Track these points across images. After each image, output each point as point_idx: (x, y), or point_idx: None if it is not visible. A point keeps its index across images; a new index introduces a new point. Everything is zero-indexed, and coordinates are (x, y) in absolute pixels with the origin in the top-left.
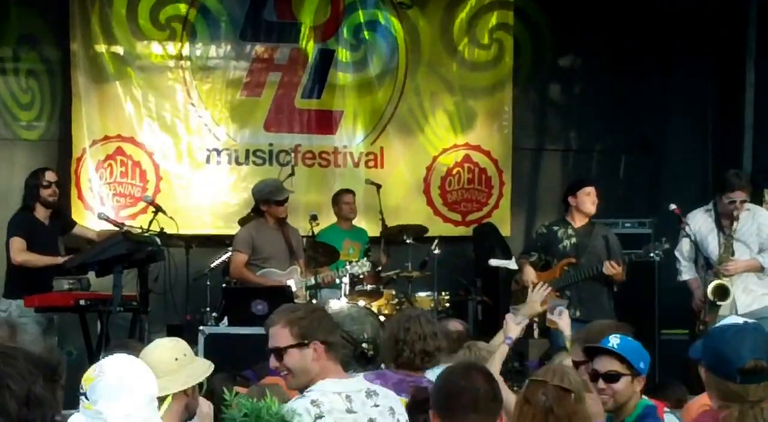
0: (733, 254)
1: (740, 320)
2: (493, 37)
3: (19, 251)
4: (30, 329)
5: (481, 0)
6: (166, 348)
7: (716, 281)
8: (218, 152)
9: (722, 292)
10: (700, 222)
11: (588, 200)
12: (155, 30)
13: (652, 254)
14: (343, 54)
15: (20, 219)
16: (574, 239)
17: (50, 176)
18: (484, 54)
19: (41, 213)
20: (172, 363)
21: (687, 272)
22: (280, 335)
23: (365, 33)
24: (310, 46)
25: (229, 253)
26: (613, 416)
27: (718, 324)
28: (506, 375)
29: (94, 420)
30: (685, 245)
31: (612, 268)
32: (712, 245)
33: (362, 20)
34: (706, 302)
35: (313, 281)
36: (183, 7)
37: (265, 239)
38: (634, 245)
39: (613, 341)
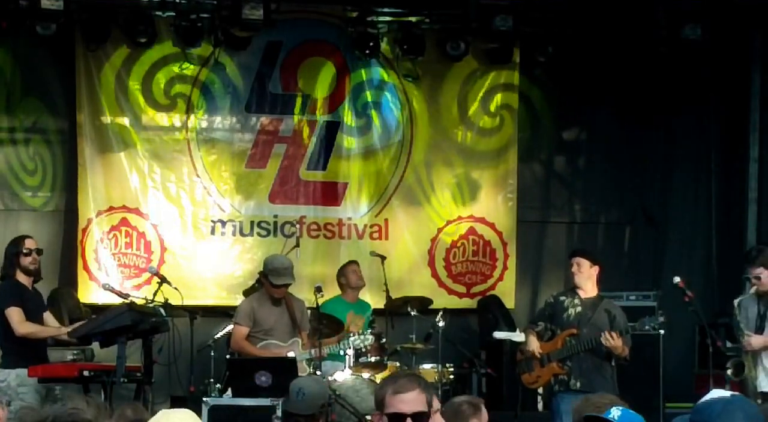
0: (763, 329)
1: (726, 393)
2: (498, 109)
3: (21, 323)
4: (28, 398)
5: (488, 70)
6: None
7: (737, 360)
8: (223, 224)
9: (741, 368)
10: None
11: (571, 270)
12: (161, 102)
13: (647, 327)
14: (348, 126)
15: (9, 288)
16: (579, 309)
17: (30, 243)
18: (489, 125)
19: (24, 280)
20: None
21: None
22: (420, 401)
23: (371, 105)
24: (315, 118)
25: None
26: None
27: (702, 399)
28: None
29: None
30: (751, 311)
31: (610, 339)
32: (751, 313)
33: (368, 92)
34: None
35: (312, 354)
36: (190, 75)
37: (267, 312)
38: (639, 318)
39: (615, 413)
